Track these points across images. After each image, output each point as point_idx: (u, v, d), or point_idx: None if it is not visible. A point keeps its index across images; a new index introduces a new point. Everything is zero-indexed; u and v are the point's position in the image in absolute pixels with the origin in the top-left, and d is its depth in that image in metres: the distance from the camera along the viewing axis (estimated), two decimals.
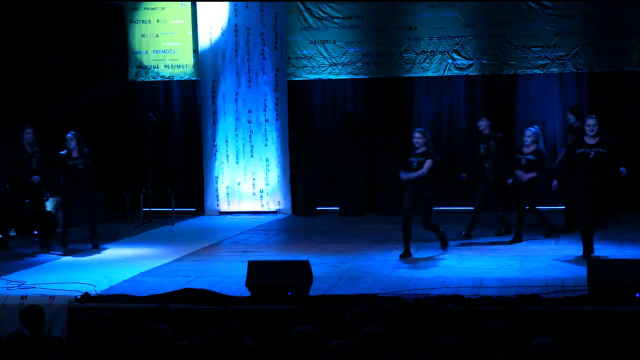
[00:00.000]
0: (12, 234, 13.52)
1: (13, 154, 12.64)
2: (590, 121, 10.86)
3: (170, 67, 16.63)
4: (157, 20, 16.51)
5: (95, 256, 12.12)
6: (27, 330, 7.31)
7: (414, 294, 9.14)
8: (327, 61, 16.16)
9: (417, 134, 11.53)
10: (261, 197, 16.40)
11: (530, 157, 12.21)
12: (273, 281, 9.11)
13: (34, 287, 9.77)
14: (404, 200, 11.52)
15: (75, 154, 12.47)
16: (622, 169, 11.69)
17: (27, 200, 12.96)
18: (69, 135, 12.51)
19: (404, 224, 11.43)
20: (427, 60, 15.85)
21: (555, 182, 12.41)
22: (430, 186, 11.40)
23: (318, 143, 16.27)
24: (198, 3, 16.33)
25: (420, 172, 11.29)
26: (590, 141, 10.78)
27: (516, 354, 6.50)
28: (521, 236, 12.33)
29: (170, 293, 9.31)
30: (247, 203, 16.42)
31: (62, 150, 12.52)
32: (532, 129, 12.39)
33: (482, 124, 13.01)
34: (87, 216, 12.79)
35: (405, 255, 11.42)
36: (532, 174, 12.12)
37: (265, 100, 16.26)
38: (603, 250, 11.30)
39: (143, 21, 16.55)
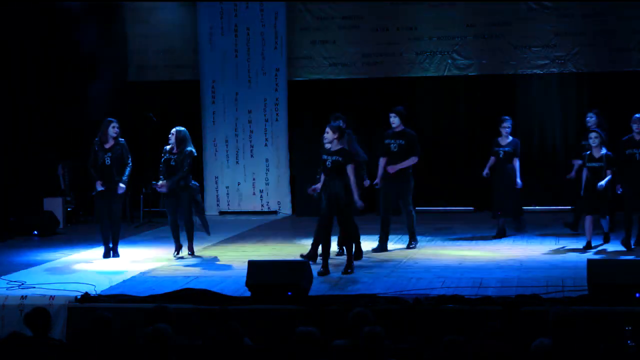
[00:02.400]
0: None
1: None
2: None
3: (170, 67, 16.63)
4: (157, 20, 16.50)
5: (97, 257, 12.09)
6: (32, 332, 7.27)
7: (414, 294, 9.13)
8: (327, 61, 16.17)
9: (329, 129, 10.54)
10: (261, 197, 16.40)
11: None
12: (273, 281, 9.10)
13: (34, 287, 9.76)
14: (322, 204, 10.48)
15: (175, 149, 11.99)
16: None
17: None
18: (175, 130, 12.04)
19: (324, 230, 10.51)
20: (427, 60, 15.86)
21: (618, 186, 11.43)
22: (350, 186, 10.52)
23: (318, 143, 16.19)
24: (198, 3, 16.33)
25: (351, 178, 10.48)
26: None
27: (516, 354, 6.49)
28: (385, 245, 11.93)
29: (170, 293, 9.30)
30: (247, 203, 16.42)
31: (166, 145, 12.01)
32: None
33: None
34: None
35: (325, 272, 10.38)
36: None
37: (265, 100, 16.26)
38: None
39: (143, 21, 16.54)
